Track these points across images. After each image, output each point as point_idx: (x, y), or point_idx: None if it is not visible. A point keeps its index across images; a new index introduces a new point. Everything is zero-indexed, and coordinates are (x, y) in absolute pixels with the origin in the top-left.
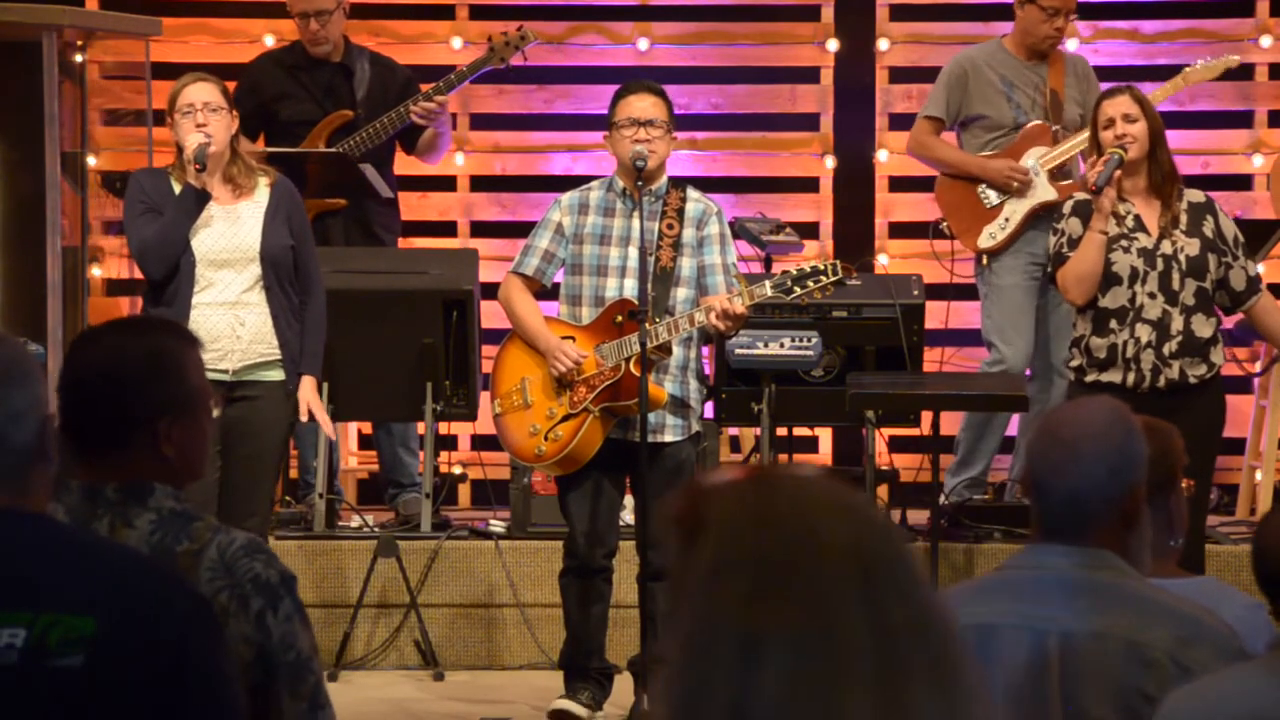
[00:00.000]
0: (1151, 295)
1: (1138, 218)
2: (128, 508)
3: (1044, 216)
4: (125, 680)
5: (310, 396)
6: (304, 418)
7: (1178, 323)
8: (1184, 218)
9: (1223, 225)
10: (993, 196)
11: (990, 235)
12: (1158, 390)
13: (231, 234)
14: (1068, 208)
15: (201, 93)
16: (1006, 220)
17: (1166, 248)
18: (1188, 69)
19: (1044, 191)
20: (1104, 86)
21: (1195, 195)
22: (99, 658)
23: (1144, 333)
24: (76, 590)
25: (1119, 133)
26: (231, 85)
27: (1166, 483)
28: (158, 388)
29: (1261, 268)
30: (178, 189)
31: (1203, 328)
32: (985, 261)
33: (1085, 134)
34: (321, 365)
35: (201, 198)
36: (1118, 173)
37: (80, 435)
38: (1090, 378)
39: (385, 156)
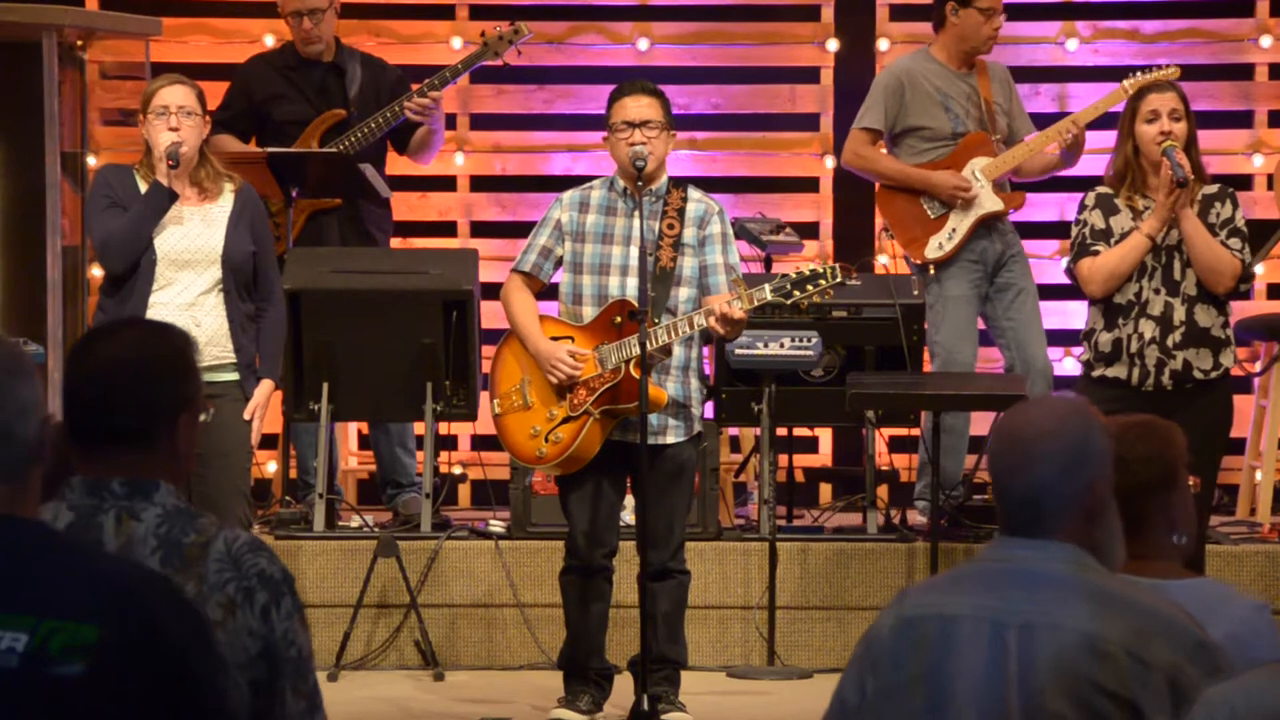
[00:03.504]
0: (1156, 290)
1: (1148, 208)
2: (134, 501)
3: (988, 223)
4: (125, 690)
5: (258, 401)
6: (245, 415)
7: (1180, 313)
8: (1194, 208)
9: (1222, 212)
10: (937, 206)
11: (938, 245)
12: (1163, 388)
13: (195, 235)
14: (1090, 199)
15: (176, 96)
16: (954, 231)
17: (1172, 239)
18: (1126, 81)
19: (990, 202)
20: (1105, 86)
21: (1210, 188)
22: (100, 666)
23: (1148, 328)
24: (81, 598)
25: (1165, 129)
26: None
27: (1166, 481)
28: (186, 382)
29: (1261, 268)
30: (143, 187)
31: (1205, 317)
32: (932, 271)
33: (1028, 143)
34: (280, 371)
35: (170, 196)
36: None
37: (103, 429)
38: (1098, 372)
39: (377, 156)
